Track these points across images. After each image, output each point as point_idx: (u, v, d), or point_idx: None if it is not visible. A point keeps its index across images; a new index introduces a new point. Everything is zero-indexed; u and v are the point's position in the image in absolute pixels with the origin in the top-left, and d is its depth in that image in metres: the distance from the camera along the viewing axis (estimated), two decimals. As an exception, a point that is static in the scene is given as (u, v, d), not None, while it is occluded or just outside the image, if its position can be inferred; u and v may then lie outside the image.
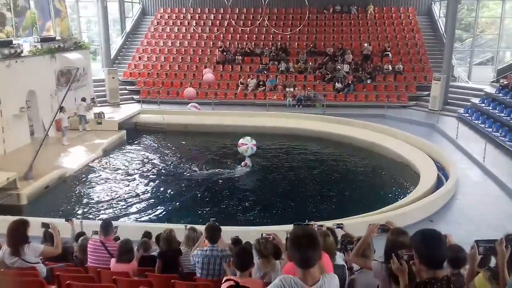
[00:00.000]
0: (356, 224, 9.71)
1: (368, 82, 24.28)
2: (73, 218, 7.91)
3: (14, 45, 16.34)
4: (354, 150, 17.73)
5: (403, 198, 12.54)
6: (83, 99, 18.88)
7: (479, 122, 18.38)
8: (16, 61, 16.00)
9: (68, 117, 17.46)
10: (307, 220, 4.94)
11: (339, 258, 4.61)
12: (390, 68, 24.81)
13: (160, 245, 6.10)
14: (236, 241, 6.94)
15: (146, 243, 6.43)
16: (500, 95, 19.12)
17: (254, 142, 15.39)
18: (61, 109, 16.38)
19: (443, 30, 25.88)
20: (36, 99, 17.44)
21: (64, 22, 20.56)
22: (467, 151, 15.67)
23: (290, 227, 4.89)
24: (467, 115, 19.75)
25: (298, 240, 2.66)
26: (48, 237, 6.12)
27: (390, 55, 25.66)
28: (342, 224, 5.78)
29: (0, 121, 15.19)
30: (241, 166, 15.70)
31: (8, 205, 11.61)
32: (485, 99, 19.94)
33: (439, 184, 12.93)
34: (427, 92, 22.84)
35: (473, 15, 27.09)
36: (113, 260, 5.60)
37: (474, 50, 27.30)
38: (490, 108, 18.83)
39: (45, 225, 6.10)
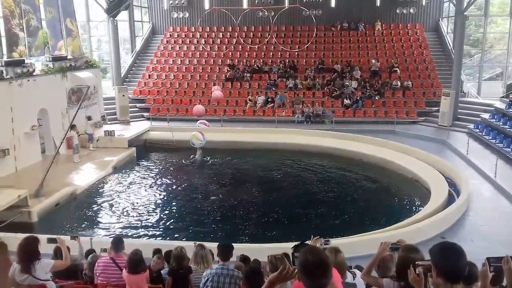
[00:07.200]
0: (366, 241, 9.64)
1: (377, 98, 24.28)
2: (79, 236, 7.91)
3: (27, 64, 16.59)
4: (363, 166, 17.64)
5: (414, 214, 12.42)
6: (89, 118, 18.97)
7: (490, 137, 18.25)
8: (28, 80, 16.22)
9: (79, 135, 17.62)
10: (312, 236, 4.84)
11: (350, 276, 4.55)
12: (399, 84, 24.82)
13: (171, 263, 6.08)
14: (244, 259, 6.90)
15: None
16: (510, 110, 19.00)
17: (199, 142, 17.79)
18: (72, 127, 16.56)
19: (451, 46, 25.91)
20: (48, 117, 17.65)
21: (76, 41, 20.89)
22: (478, 166, 15.54)
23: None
24: (478, 130, 19.64)
25: (310, 269, 2.55)
26: (59, 254, 6.13)
27: (398, 71, 25.70)
28: (329, 240, 5.54)
29: (12, 139, 15.36)
30: (189, 160, 18.16)
31: (19, 223, 11.66)
32: (495, 114, 19.83)
33: (450, 200, 12.80)
34: (437, 108, 22.78)
35: (481, 30, 27.11)
36: (125, 272, 5.58)
37: (483, 65, 27.25)
38: (501, 123, 18.70)
39: (51, 240, 6.07)
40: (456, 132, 20.60)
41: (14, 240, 5.85)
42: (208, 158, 18.58)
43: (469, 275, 3.61)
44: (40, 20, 18.20)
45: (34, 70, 16.93)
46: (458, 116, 21.96)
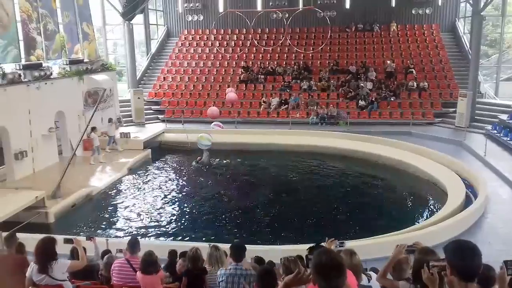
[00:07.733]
0: (382, 244, 9.56)
1: (392, 99, 24.08)
2: (95, 236, 7.98)
3: (44, 68, 16.86)
4: (379, 168, 17.49)
5: (430, 217, 12.27)
6: (109, 120, 19.21)
7: (508, 138, 17.94)
8: (46, 83, 16.49)
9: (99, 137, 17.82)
10: (327, 238, 4.82)
11: (365, 279, 4.52)
12: (415, 85, 24.57)
13: (186, 263, 6.11)
14: (258, 260, 6.88)
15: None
16: (529, 111, 18.69)
17: (207, 144, 17.85)
18: (93, 129, 16.83)
19: (468, 46, 25.57)
20: (65, 120, 17.89)
21: (92, 45, 21.14)
22: (496, 168, 15.28)
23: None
24: (495, 131, 19.32)
25: (324, 270, 2.55)
26: (76, 255, 6.19)
27: (414, 72, 25.45)
28: (344, 242, 5.48)
29: (30, 141, 15.61)
30: (196, 161, 17.98)
31: (37, 223, 11.83)
32: (514, 115, 19.51)
33: (467, 202, 12.62)
34: (453, 109, 22.48)
35: (499, 31, 26.72)
36: (139, 273, 5.60)
37: (501, 66, 26.84)
38: (519, 124, 18.40)
39: (68, 241, 6.12)
40: (473, 133, 20.31)
41: (31, 240, 5.92)
42: (218, 159, 18.66)
43: (486, 278, 3.55)
44: (57, 24, 18.47)
45: (51, 73, 17.20)
46: (475, 117, 21.64)
